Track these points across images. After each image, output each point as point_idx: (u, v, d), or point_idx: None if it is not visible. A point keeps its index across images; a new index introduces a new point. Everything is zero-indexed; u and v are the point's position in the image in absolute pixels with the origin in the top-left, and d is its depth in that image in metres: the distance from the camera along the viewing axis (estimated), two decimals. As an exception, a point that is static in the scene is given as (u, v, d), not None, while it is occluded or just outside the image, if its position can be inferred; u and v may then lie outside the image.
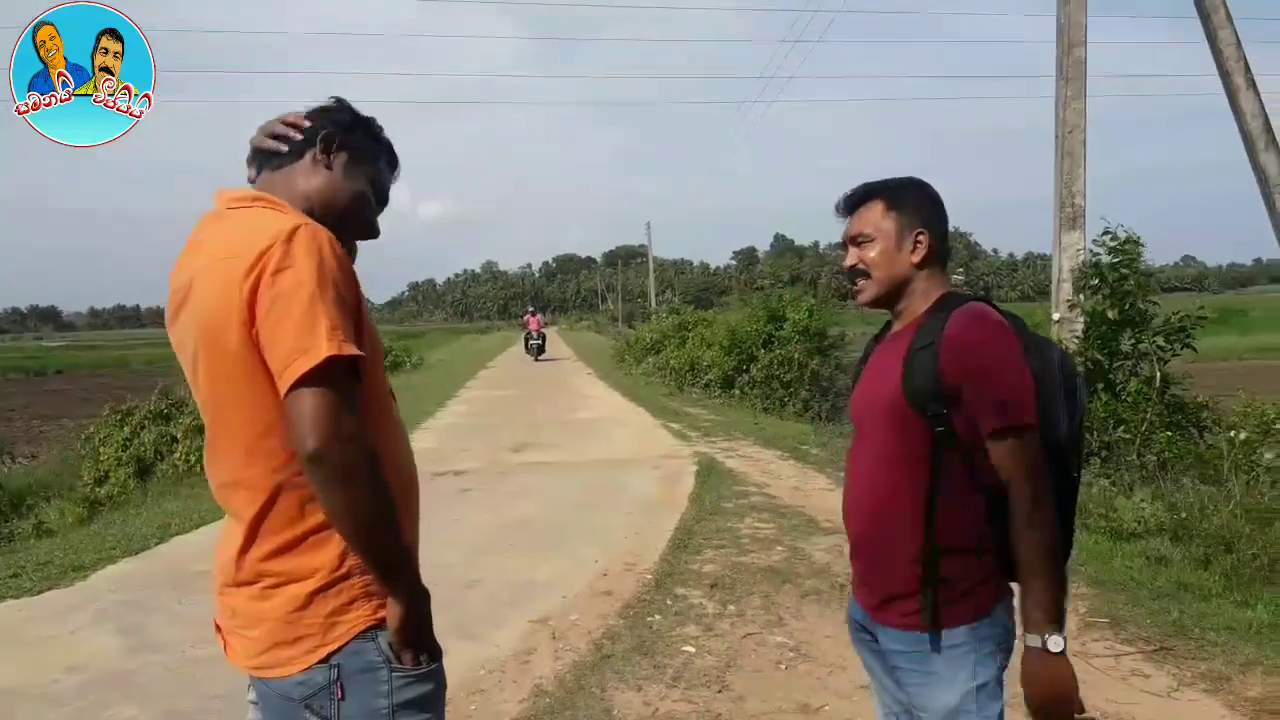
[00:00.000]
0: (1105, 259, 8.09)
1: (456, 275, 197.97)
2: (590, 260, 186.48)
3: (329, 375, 1.36)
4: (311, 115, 1.68)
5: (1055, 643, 1.65)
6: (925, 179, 1.96)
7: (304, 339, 1.36)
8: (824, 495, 7.44)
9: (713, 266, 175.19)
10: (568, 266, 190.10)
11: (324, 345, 1.36)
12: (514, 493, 7.93)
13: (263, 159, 1.68)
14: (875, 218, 1.91)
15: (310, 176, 1.63)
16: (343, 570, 1.48)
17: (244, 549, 1.51)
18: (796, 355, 16.49)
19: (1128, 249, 7.89)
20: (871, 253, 1.91)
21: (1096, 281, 8.06)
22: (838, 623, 4.29)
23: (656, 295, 60.77)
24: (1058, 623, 1.66)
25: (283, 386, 1.37)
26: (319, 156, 1.64)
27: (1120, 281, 7.86)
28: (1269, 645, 3.96)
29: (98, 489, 11.59)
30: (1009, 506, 1.69)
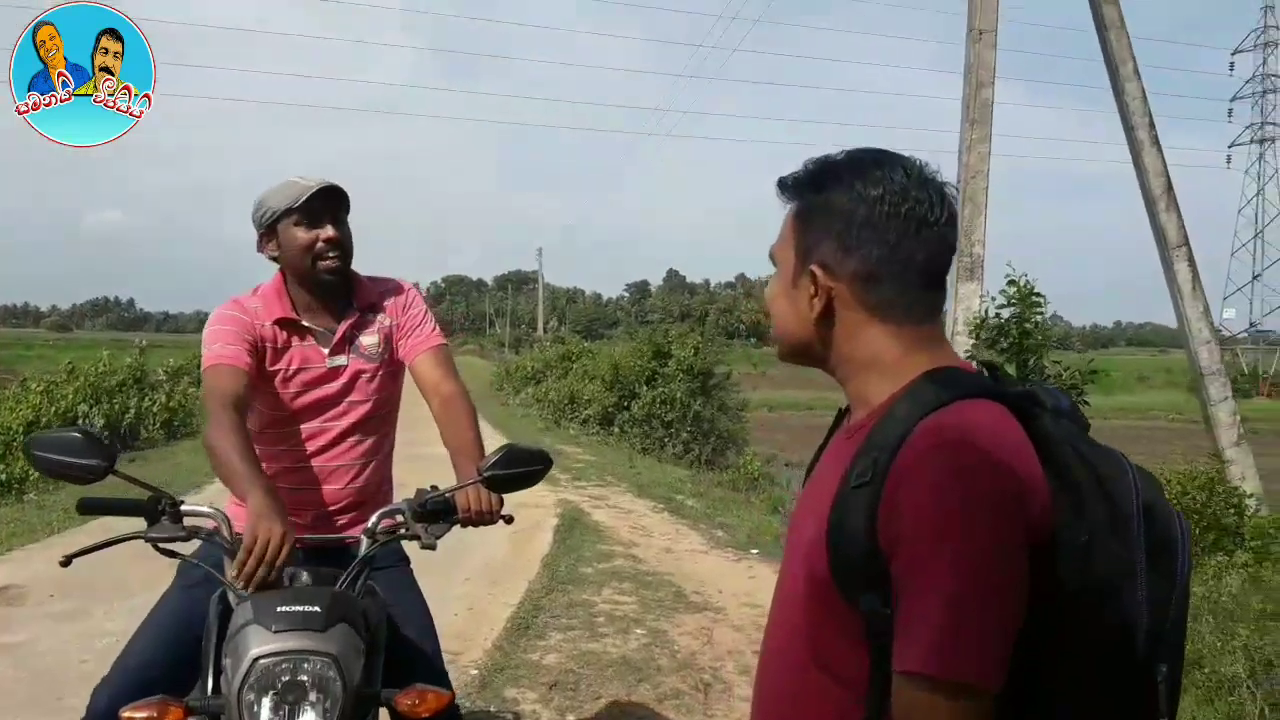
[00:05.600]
0: (1005, 311, 7.57)
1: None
2: (481, 283, 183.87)
3: None
4: None
5: None
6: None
7: None
8: (695, 559, 6.63)
9: (605, 297, 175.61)
10: (457, 288, 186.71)
11: None
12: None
13: None
14: (784, 228, 1.07)
15: None
16: None
17: None
18: (679, 394, 15.85)
19: (1034, 299, 7.37)
20: (768, 287, 1.11)
21: (997, 334, 7.52)
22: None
23: (545, 323, 59.68)
24: None
25: None
26: None
27: (1023, 337, 7.33)
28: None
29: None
30: None
